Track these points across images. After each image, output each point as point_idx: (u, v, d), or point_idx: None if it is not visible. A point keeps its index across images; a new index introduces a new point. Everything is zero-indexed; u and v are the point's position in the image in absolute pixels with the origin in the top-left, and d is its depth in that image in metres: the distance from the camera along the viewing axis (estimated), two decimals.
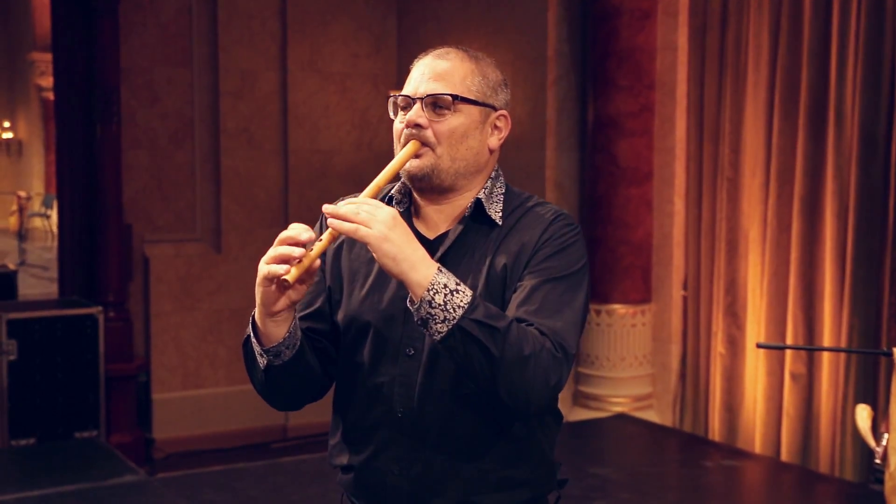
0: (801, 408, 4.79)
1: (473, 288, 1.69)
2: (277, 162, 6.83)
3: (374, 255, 1.56)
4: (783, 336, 4.84)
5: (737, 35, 5.06)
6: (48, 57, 7.62)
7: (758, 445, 4.97)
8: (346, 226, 1.56)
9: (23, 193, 17.51)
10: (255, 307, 1.67)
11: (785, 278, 4.85)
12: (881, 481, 2.60)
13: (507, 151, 5.95)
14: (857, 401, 4.38)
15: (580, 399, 5.54)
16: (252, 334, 1.70)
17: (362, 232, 1.55)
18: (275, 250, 1.58)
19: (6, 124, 20.04)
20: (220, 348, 6.63)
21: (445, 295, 1.54)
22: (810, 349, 4.75)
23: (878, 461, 2.56)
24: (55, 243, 7.52)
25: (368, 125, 7.08)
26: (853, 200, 4.53)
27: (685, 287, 5.46)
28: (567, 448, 4.63)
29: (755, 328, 4.99)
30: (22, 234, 16.01)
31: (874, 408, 3.86)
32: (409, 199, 1.81)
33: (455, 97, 1.72)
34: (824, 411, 4.67)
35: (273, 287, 1.60)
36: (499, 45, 6.08)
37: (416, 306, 1.56)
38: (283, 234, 1.59)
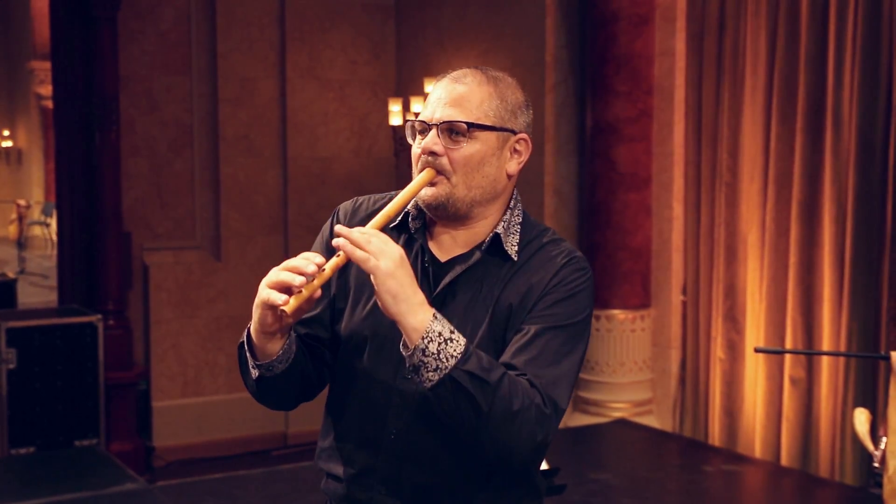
0: (801, 412, 4.79)
1: (478, 322, 1.67)
2: (276, 169, 6.84)
3: (375, 288, 1.54)
4: (782, 340, 4.84)
5: (734, 40, 5.07)
6: (48, 65, 7.63)
7: (758, 450, 4.97)
8: (358, 253, 1.53)
9: (22, 202, 17.50)
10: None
11: (784, 283, 4.85)
12: (881, 485, 2.60)
13: None
14: (857, 405, 4.38)
15: (580, 404, 5.54)
16: (246, 345, 1.68)
17: (372, 263, 1.52)
18: (277, 275, 1.56)
19: (6, 133, 20.05)
20: (219, 356, 6.63)
21: (439, 343, 1.52)
22: (808, 353, 4.75)
23: (876, 465, 2.56)
24: (55, 252, 7.53)
25: (367, 132, 7.09)
26: (851, 205, 4.53)
27: (684, 292, 5.46)
28: (567, 453, 4.63)
29: (754, 333, 4.99)
30: (21, 243, 16.00)
31: (873, 412, 3.86)
32: (424, 216, 1.77)
33: (470, 125, 1.67)
34: (824, 415, 4.67)
35: (270, 312, 1.59)
36: (497, 52, 6.09)
37: (409, 353, 1.54)
38: (290, 262, 1.56)
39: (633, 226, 5.36)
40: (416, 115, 1.77)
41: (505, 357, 1.63)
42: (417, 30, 6.89)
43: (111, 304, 5.86)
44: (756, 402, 4.99)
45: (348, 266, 1.76)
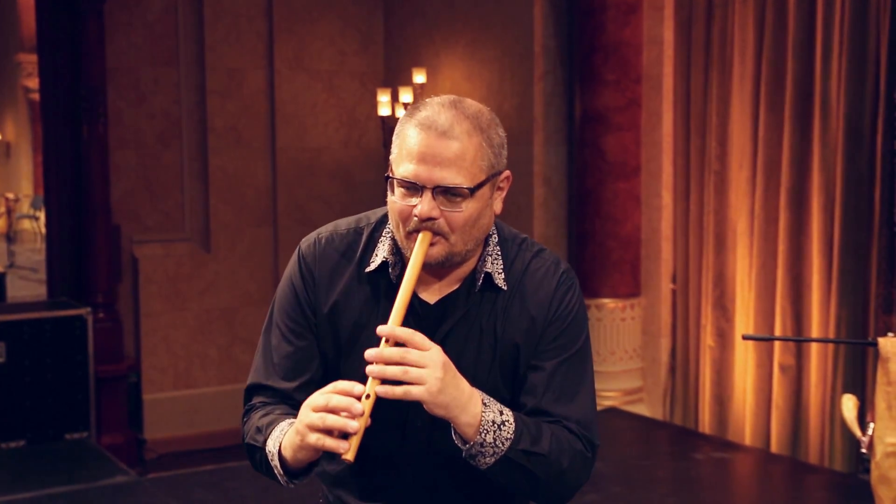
0: (791, 399, 4.81)
1: (483, 360, 1.65)
2: (265, 160, 6.83)
3: (424, 406, 1.50)
4: (771, 328, 4.86)
5: (722, 28, 5.07)
6: (35, 58, 7.60)
7: (748, 437, 4.99)
8: (396, 390, 1.47)
9: (11, 195, 17.43)
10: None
11: (773, 271, 4.86)
12: (869, 470, 2.61)
13: None
14: (846, 391, 4.40)
15: None
16: (278, 462, 1.62)
17: (414, 393, 1.47)
18: (325, 421, 1.47)
19: None
20: (210, 348, 6.62)
21: (494, 432, 1.54)
22: (796, 340, 4.77)
23: (864, 451, 2.58)
24: (44, 245, 7.51)
25: (356, 123, 7.07)
26: (839, 192, 4.54)
27: (674, 280, 5.47)
28: None
29: (744, 321, 5.01)
30: (10, 237, 15.95)
31: (862, 398, 3.88)
32: (403, 261, 1.67)
33: (472, 189, 1.57)
34: (813, 402, 4.69)
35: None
36: (485, 42, 6.09)
37: (467, 447, 1.54)
38: (335, 402, 1.47)
39: (623, 215, 5.37)
40: (391, 168, 1.64)
41: (530, 402, 1.64)
42: (406, 20, 6.88)
43: (101, 297, 5.85)
44: (746, 390, 5.01)
45: (336, 316, 1.69)
